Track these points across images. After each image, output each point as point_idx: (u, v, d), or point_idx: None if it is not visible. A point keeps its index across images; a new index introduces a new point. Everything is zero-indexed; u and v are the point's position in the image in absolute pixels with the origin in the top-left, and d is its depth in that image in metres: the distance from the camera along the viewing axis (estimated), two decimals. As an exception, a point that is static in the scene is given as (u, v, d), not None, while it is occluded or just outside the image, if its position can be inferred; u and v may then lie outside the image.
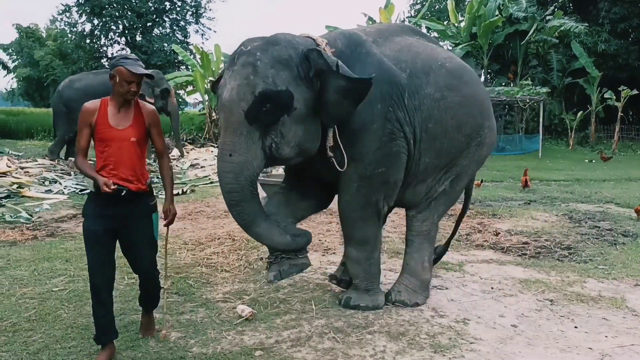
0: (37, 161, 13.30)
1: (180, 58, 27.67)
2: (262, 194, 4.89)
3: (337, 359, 3.27)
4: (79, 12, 31.80)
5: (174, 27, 33.82)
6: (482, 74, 24.14)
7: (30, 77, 40.49)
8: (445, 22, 27.04)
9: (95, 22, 31.77)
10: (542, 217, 7.77)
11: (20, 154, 15.33)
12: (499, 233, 6.66)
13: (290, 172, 4.19)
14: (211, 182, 11.16)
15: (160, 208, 3.34)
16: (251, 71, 3.23)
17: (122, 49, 32.00)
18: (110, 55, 32.49)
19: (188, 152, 16.66)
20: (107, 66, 25.01)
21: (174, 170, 13.34)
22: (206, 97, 21.55)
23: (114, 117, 3.13)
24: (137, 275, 3.45)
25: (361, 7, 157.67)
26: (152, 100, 12.88)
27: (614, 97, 21.00)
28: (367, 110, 3.55)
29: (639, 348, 3.47)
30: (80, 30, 33.10)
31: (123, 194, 3.09)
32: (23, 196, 8.93)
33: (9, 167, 11.44)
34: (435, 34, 27.92)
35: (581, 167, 15.43)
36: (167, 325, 3.57)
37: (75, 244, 5.69)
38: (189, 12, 34.13)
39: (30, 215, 7.34)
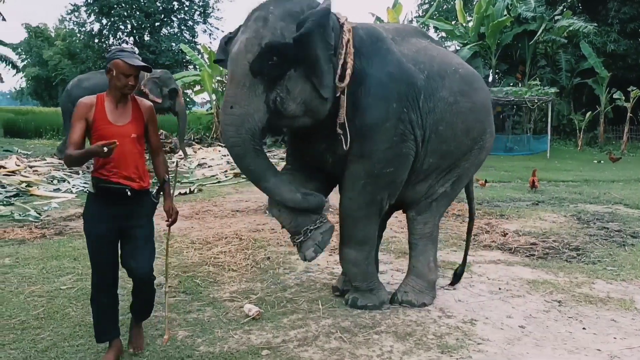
0: (45, 160, 13.39)
1: (188, 58, 27.79)
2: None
3: (344, 359, 3.27)
4: (88, 12, 32.01)
5: (182, 27, 33.98)
6: (490, 74, 24.07)
7: (39, 76, 40.79)
8: (453, 22, 26.97)
9: (104, 21, 31.97)
10: (550, 217, 7.73)
11: (29, 152, 15.43)
12: (507, 234, 6.63)
13: (293, 155, 4.06)
14: (218, 182, 11.19)
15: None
16: (262, 24, 3.20)
17: (132, 48, 32.09)
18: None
19: (196, 152, 16.72)
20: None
21: (181, 170, 13.41)
22: (214, 96, 21.61)
23: (113, 113, 3.02)
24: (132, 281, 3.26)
25: (369, 7, 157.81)
26: (160, 100, 12.94)
27: (623, 98, 20.90)
28: (382, 108, 3.54)
29: (648, 350, 3.45)
30: (88, 29, 33.35)
31: (128, 193, 3.00)
32: (32, 195, 8.99)
33: (18, 165, 11.53)
34: (443, 34, 27.89)
35: (590, 168, 15.35)
36: (169, 329, 3.44)
37: (84, 242, 5.63)
38: (197, 12, 34.28)
39: (39, 214, 7.38)
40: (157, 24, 32.56)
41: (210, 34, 35.10)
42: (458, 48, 25.03)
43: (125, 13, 31.37)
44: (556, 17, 23.26)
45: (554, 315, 4.03)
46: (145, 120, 3.14)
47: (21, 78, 43.19)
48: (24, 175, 10.62)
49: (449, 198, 4.29)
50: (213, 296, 4.30)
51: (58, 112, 19.76)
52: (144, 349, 3.31)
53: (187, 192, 9.51)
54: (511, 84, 23.27)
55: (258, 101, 3.22)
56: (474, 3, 25.99)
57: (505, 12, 23.15)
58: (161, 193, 3.24)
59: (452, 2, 31.87)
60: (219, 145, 18.43)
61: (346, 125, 3.46)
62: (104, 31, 32.54)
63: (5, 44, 26.76)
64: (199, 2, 34.16)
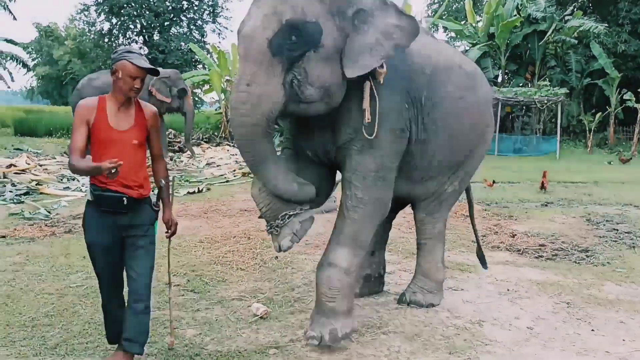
0: (55, 159, 13.50)
1: (197, 57, 27.89)
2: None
3: (351, 359, 3.27)
4: (98, 12, 32.14)
5: (191, 27, 34.05)
6: (500, 74, 23.98)
7: (49, 75, 41.02)
8: (462, 22, 26.88)
9: (114, 21, 32.10)
10: (559, 219, 7.70)
11: (39, 151, 15.54)
12: (516, 235, 6.61)
13: (292, 142, 3.72)
14: (227, 181, 11.22)
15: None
16: (280, 0, 2.97)
17: (140, 48, 32.24)
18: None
19: (204, 151, 16.78)
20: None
21: (190, 169, 13.42)
22: (222, 96, 21.66)
23: (115, 117, 2.87)
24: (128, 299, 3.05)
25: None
26: (169, 100, 13.01)
27: (634, 99, 20.72)
28: (389, 99, 3.35)
29: (657, 352, 3.43)
30: (98, 29, 33.45)
31: (124, 202, 2.85)
32: (42, 193, 9.06)
33: (28, 164, 11.63)
34: (453, 34, 27.80)
35: (599, 169, 15.26)
36: (173, 332, 3.37)
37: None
38: (206, 12, 34.33)
39: (49, 212, 7.44)
40: (166, 23, 32.62)
41: (219, 34, 35.16)
42: (467, 48, 24.95)
43: (135, 12, 31.47)
44: (566, 17, 23.10)
45: (563, 316, 4.02)
46: (148, 127, 3.00)
47: (32, 77, 43.44)
48: (34, 174, 10.71)
49: (457, 196, 4.29)
50: (221, 295, 4.31)
51: (68, 111, 19.89)
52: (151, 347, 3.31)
53: (196, 191, 9.53)
54: (520, 85, 23.18)
55: (277, 82, 2.99)
56: (484, 3, 25.88)
57: (515, 12, 23.05)
58: (160, 201, 3.11)
59: (461, 2, 31.78)
60: (228, 145, 18.48)
61: (368, 111, 3.22)
62: (114, 30, 32.67)
63: (16, 43, 26.99)
64: (208, 1, 34.19)
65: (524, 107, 22.41)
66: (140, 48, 32.12)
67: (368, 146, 3.33)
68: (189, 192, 9.35)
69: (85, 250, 5.34)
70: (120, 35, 32.80)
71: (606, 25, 22.12)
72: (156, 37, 32.58)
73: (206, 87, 23.49)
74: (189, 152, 15.01)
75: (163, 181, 3.12)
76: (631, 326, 3.85)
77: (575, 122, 23.61)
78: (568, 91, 21.91)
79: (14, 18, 24.92)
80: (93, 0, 31.94)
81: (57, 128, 21.76)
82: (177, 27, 33.83)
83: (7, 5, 24.15)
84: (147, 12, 31.74)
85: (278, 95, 3.00)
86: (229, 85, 21.14)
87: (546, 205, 8.88)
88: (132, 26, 32.34)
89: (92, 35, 34.54)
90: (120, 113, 2.90)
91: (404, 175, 3.70)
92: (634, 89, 20.76)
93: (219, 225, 6.79)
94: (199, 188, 9.77)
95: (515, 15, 22.69)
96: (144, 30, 32.36)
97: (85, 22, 34.72)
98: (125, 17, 31.32)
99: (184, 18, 33.88)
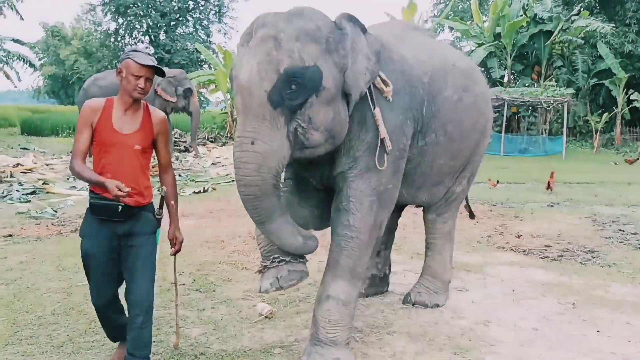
0: (62, 158, 13.55)
1: (203, 57, 27.94)
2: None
3: (356, 359, 3.28)
4: (104, 11, 32.31)
5: (197, 27, 34.16)
6: (506, 75, 23.94)
7: (56, 75, 41.26)
8: (468, 22, 26.84)
9: (120, 21, 32.25)
10: (565, 219, 7.67)
11: (45, 150, 15.62)
12: (521, 235, 6.59)
13: (291, 167, 3.53)
14: (233, 181, 11.22)
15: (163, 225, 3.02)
16: (273, 45, 2.73)
17: (146, 47, 32.35)
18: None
19: (210, 151, 16.82)
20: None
21: (196, 169, 13.42)
22: (228, 96, 21.70)
23: (119, 120, 2.77)
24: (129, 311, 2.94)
25: (383, 6, 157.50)
26: (175, 99, 13.05)
27: (641, 99, 20.68)
28: (391, 119, 3.20)
29: (663, 354, 3.42)
30: (105, 29, 33.62)
31: (119, 210, 2.73)
32: (48, 192, 9.11)
33: (35, 163, 11.68)
34: (459, 34, 27.76)
35: (606, 170, 15.21)
36: (179, 334, 3.31)
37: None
38: (212, 12, 34.44)
39: (55, 211, 7.47)
40: (172, 23, 32.75)
41: (225, 34, 35.21)
42: (473, 48, 24.93)
43: (141, 12, 31.60)
44: (573, 18, 23.05)
45: (568, 317, 4.01)
46: (154, 133, 2.87)
47: (38, 77, 43.70)
48: (41, 173, 10.78)
49: (465, 193, 4.28)
50: (227, 294, 4.32)
51: (74, 110, 20.01)
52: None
53: (201, 191, 9.56)
54: (527, 85, 23.14)
55: (281, 135, 2.80)
56: (490, 3, 25.86)
57: (522, 13, 23.01)
58: (163, 210, 2.97)
59: (467, 2, 31.72)
60: (233, 144, 18.51)
61: (387, 139, 3.11)
62: (120, 30, 32.83)
63: (23, 43, 27.11)
64: (214, 1, 34.30)
65: (530, 108, 22.38)
66: (146, 47, 32.22)
67: (366, 170, 3.17)
68: (194, 192, 9.38)
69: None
70: (126, 35, 32.95)
71: (613, 25, 22.07)
72: (162, 37, 32.70)
73: (212, 87, 23.55)
74: (194, 152, 15.06)
75: (165, 188, 2.97)
76: (637, 327, 3.83)
77: (582, 123, 23.57)
78: (574, 91, 21.87)
79: (21, 18, 25.06)
80: (99, 0, 32.08)
81: (64, 127, 21.86)
82: (183, 27, 33.95)
83: (14, 6, 24.27)
84: (154, 12, 31.87)
85: (284, 149, 2.83)
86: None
87: (552, 206, 8.86)
88: (138, 26, 32.46)
89: (98, 35, 34.74)
90: (126, 116, 2.79)
91: (408, 183, 3.63)
92: (641, 89, 20.70)
93: (224, 225, 6.81)
94: (204, 188, 9.80)
95: (521, 16, 22.67)
96: (150, 30, 32.48)
97: (91, 22, 34.99)
98: (132, 17, 31.45)
99: (190, 18, 34.00)
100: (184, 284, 4.47)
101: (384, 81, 3.14)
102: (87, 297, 4.13)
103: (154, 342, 3.34)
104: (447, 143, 3.67)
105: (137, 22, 32.06)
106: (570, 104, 21.14)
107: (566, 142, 20.21)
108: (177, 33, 32.87)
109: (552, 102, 20.32)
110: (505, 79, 23.93)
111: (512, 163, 16.31)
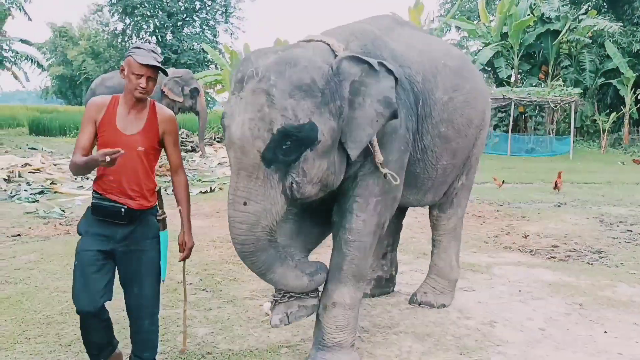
0: (70, 158, 13.56)
1: (209, 57, 28.02)
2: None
3: (363, 359, 3.28)
4: (111, 12, 32.51)
5: (204, 27, 34.29)
6: (513, 74, 23.86)
7: (64, 75, 41.45)
8: (475, 22, 26.79)
9: (127, 21, 32.43)
10: (572, 220, 7.65)
11: (53, 150, 15.69)
12: (528, 235, 6.58)
13: None
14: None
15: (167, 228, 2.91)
16: (265, 101, 2.58)
17: (153, 45, 32.48)
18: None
19: (217, 151, 16.86)
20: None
21: (202, 168, 13.40)
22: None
23: (123, 120, 2.65)
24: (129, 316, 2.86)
25: (390, 6, 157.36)
26: (181, 99, 13.13)
27: (649, 99, 20.57)
28: (394, 124, 3.13)
29: (671, 355, 3.40)
30: (112, 29, 33.79)
31: (122, 212, 2.63)
32: (56, 192, 9.14)
33: (43, 163, 11.74)
34: (465, 34, 27.68)
35: (613, 170, 15.15)
36: (186, 342, 3.23)
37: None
38: (219, 12, 34.55)
39: (63, 211, 7.51)
40: (179, 23, 32.89)
41: (231, 34, 35.38)
42: (480, 48, 24.87)
43: (148, 13, 31.76)
44: (580, 17, 22.96)
45: (575, 318, 4.00)
46: (160, 132, 2.75)
47: (46, 77, 43.92)
48: (49, 173, 10.82)
49: (468, 188, 4.24)
50: (233, 294, 4.34)
51: (82, 110, 20.05)
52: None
53: (208, 190, 9.59)
54: (534, 84, 23.07)
55: (275, 193, 2.71)
56: (497, 3, 25.78)
57: (529, 12, 22.94)
58: (164, 210, 2.86)
59: (474, 2, 31.66)
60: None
61: (379, 157, 3.00)
62: (127, 31, 33.01)
63: (31, 44, 27.28)
64: (220, 1, 34.41)
65: (537, 107, 22.30)
66: (153, 45, 32.32)
67: (375, 169, 3.07)
68: (201, 192, 9.41)
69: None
70: (133, 35, 33.13)
71: (621, 24, 21.97)
72: (169, 37, 32.84)
73: (218, 87, 23.61)
74: (201, 152, 15.11)
75: (159, 187, 2.84)
76: (644, 328, 3.82)
77: (589, 122, 23.47)
78: (582, 91, 21.80)
79: (29, 19, 25.20)
80: (107, 0, 32.23)
81: (71, 127, 21.95)
82: (190, 27, 34.09)
83: (22, 6, 24.41)
84: (160, 13, 32.01)
85: (277, 206, 2.74)
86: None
87: (559, 206, 8.83)
88: (145, 26, 32.62)
89: (105, 36, 34.90)
90: (131, 116, 2.67)
91: (418, 186, 3.62)
92: (649, 88, 20.59)
93: (231, 225, 6.81)
94: (211, 187, 9.83)
95: (528, 15, 22.61)
96: (157, 31, 32.62)
97: (99, 22, 35.16)
98: (139, 18, 31.60)
99: (196, 18, 34.11)
100: (190, 284, 4.48)
101: None
102: (94, 296, 4.16)
103: (162, 341, 3.36)
104: (444, 143, 3.62)
105: (144, 23, 32.21)
106: (578, 104, 21.06)
107: (573, 142, 20.14)
108: (183, 33, 33.01)
109: (559, 101, 20.26)
110: (512, 79, 23.87)
111: (519, 163, 16.26)
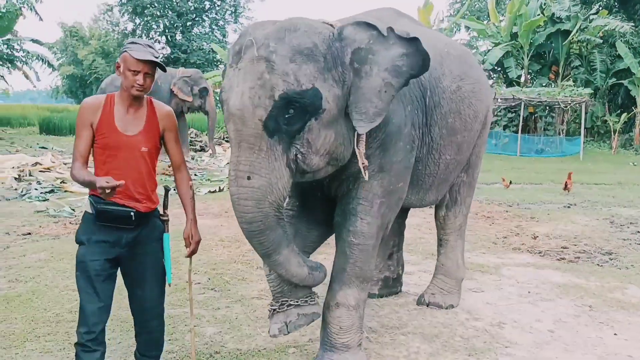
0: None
1: (219, 57, 28.10)
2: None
3: (370, 359, 3.28)
4: (121, 12, 32.69)
5: (213, 27, 34.42)
6: (523, 74, 23.75)
7: (74, 75, 41.63)
8: (485, 22, 26.69)
9: (137, 21, 32.61)
10: (582, 221, 7.60)
11: (63, 149, 15.77)
12: (537, 236, 6.54)
13: (294, 189, 3.28)
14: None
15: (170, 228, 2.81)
16: (265, 68, 2.45)
17: (162, 48, 32.61)
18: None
19: (225, 150, 16.90)
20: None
21: (211, 168, 13.41)
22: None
23: (122, 119, 2.52)
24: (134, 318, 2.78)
25: (398, 6, 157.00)
26: (191, 99, 13.19)
27: (660, 99, 20.41)
28: (400, 111, 3.04)
29: (681, 357, 3.38)
30: (122, 29, 33.98)
31: (132, 217, 2.51)
32: (66, 191, 9.20)
33: (53, 162, 11.80)
34: (475, 34, 27.57)
35: (624, 171, 15.03)
36: (194, 356, 3.06)
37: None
38: (228, 12, 34.64)
39: (73, 210, 7.56)
40: (188, 23, 33.04)
41: (240, 34, 35.47)
42: (490, 48, 24.77)
43: (158, 13, 31.93)
44: (591, 17, 22.81)
45: (585, 320, 3.97)
46: (160, 129, 2.64)
47: (57, 77, 44.14)
48: (59, 172, 10.88)
49: (470, 186, 4.17)
50: (241, 294, 4.35)
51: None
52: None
53: (217, 190, 9.61)
54: (544, 85, 22.94)
55: (279, 165, 2.56)
56: (507, 2, 25.67)
57: (539, 12, 22.82)
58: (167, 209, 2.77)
59: (484, 1, 31.54)
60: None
61: (363, 160, 2.82)
62: (137, 31, 33.18)
63: (41, 43, 27.43)
64: (230, 1, 34.52)
65: (548, 108, 22.17)
66: (163, 48, 32.45)
67: (379, 169, 2.99)
68: (210, 191, 9.43)
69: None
70: (143, 35, 33.27)
71: (632, 24, 21.80)
72: (179, 37, 32.97)
73: (227, 86, 23.66)
74: (210, 151, 15.16)
75: (168, 187, 2.77)
76: (655, 330, 3.79)
77: (600, 123, 23.30)
78: (592, 91, 21.65)
79: (40, 19, 25.33)
80: (117, 0, 32.41)
81: (81, 127, 22.02)
82: (199, 27, 34.23)
83: (33, 6, 24.54)
84: (170, 12, 32.16)
85: (283, 179, 2.59)
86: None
87: (569, 207, 8.78)
88: (155, 26, 32.78)
89: (115, 35, 35.07)
90: (129, 115, 2.55)
91: (418, 185, 3.53)
92: (661, 89, 20.43)
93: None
94: (220, 187, 9.84)
95: (538, 15, 22.49)
96: (167, 30, 32.77)
97: (109, 22, 35.31)
98: (149, 17, 31.77)
99: (206, 18, 34.26)
100: (199, 283, 4.50)
101: None
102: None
103: (170, 340, 3.38)
104: (450, 136, 3.52)
105: (153, 23, 32.38)
106: (588, 104, 20.93)
107: (584, 142, 20.00)
108: (193, 33, 33.13)
109: (569, 102, 20.14)
110: (522, 79, 23.74)
111: (528, 164, 16.18)
